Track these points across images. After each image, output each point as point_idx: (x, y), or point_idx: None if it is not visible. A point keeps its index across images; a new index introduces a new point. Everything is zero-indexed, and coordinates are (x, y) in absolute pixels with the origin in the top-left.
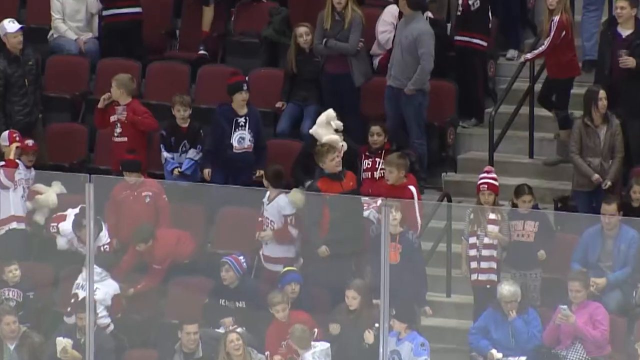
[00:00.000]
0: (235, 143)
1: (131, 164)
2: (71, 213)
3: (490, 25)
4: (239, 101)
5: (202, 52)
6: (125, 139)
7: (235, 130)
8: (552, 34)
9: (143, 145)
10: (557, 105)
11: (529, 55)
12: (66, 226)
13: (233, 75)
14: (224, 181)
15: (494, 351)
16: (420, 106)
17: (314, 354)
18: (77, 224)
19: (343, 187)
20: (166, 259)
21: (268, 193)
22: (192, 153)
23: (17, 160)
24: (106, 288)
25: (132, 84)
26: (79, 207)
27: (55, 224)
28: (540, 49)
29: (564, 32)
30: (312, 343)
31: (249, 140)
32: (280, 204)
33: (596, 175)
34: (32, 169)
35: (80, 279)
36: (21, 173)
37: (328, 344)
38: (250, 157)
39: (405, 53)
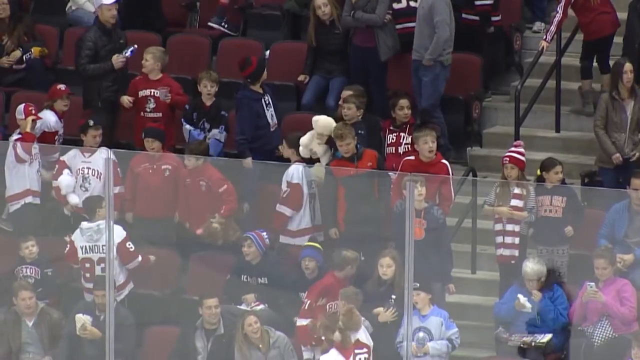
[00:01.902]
0: (270, 121)
1: (155, 132)
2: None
3: None
4: (264, 79)
5: (223, 28)
6: (160, 114)
7: (266, 108)
8: (562, 1)
9: (172, 120)
10: (582, 55)
11: (548, 37)
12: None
13: (247, 60)
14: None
15: (520, 296)
16: (437, 78)
17: (363, 322)
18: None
19: (357, 167)
20: (224, 182)
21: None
22: (216, 133)
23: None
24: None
25: (166, 58)
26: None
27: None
28: (555, 20)
29: None
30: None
31: (275, 116)
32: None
33: (616, 154)
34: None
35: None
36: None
37: (371, 330)
38: (280, 133)
39: (422, 23)
